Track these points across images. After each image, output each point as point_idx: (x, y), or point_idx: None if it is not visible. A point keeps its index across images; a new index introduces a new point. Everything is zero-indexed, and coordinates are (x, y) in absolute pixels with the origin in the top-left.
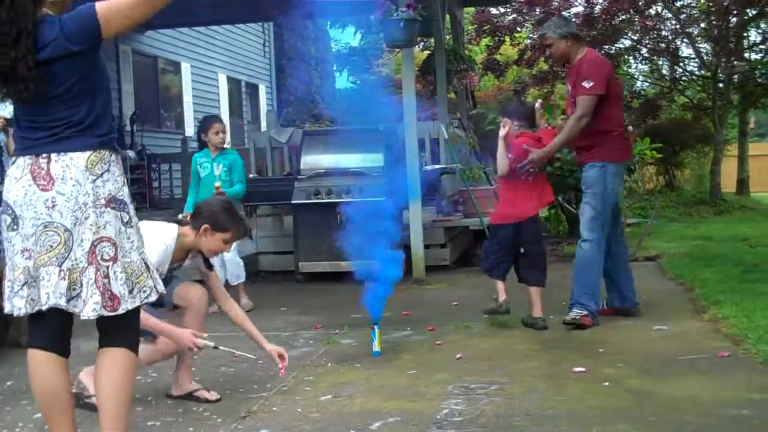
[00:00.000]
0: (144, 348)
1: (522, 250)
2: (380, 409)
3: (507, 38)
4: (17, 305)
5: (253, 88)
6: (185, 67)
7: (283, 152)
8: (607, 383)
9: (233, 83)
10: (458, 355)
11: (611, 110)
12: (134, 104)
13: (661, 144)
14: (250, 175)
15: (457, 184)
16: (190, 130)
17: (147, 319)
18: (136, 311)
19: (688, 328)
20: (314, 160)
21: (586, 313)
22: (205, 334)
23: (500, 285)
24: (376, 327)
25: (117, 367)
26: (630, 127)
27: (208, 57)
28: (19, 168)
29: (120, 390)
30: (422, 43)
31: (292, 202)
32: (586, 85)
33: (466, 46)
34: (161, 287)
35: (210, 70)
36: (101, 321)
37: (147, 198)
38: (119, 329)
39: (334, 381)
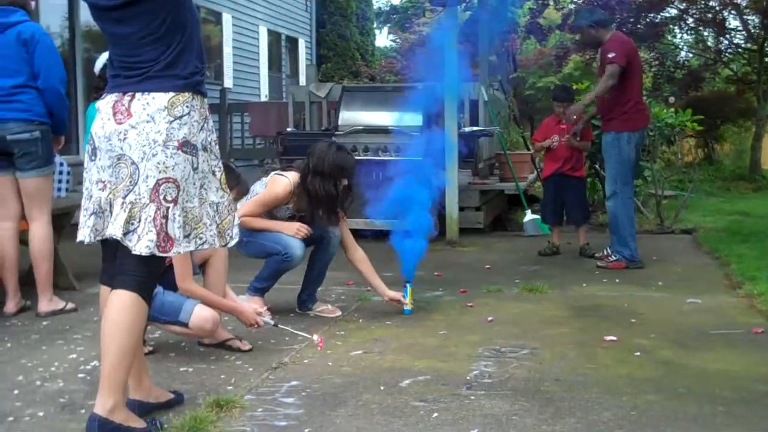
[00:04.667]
0: (178, 329)
1: None
2: (410, 367)
3: (551, 2)
4: (84, 233)
5: (293, 42)
6: (226, 18)
7: (322, 107)
8: (638, 353)
9: (273, 36)
10: (489, 318)
11: (630, 84)
12: None
13: (702, 116)
14: (288, 129)
15: (495, 147)
16: (229, 81)
17: (208, 295)
18: (155, 258)
19: (723, 302)
20: (353, 116)
21: (615, 258)
22: (264, 309)
23: None
24: (408, 285)
25: (114, 311)
26: (671, 98)
27: (250, 9)
28: (105, 103)
29: (115, 335)
30: (465, 3)
31: None
32: (610, 55)
33: (510, 8)
34: (229, 237)
35: (251, 22)
36: (120, 263)
37: None
38: (128, 270)
39: (366, 337)
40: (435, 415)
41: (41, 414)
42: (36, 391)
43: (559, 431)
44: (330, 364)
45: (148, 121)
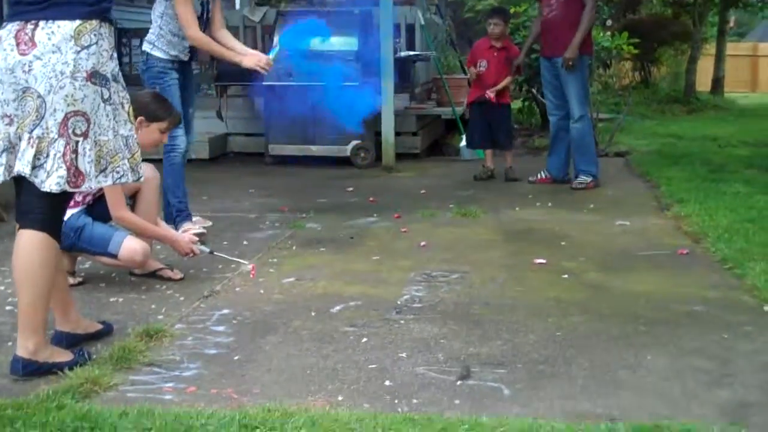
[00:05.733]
0: (106, 260)
1: None
2: (342, 293)
3: None
4: None
5: None
6: None
7: (256, 31)
8: (566, 276)
9: None
10: (422, 243)
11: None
12: None
13: (638, 40)
14: None
15: (432, 72)
16: None
17: (142, 224)
18: (61, 194)
19: (651, 224)
20: (288, 41)
21: (590, 179)
22: (196, 238)
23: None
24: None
25: (24, 252)
26: (608, 22)
27: None
28: (7, 32)
29: (27, 276)
30: None
31: (264, 83)
32: None
33: None
34: (140, 172)
35: None
36: (23, 201)
37: None
38: (33, 209)
39: (298, 264)
40: (364, 340)
41: None
42: None
43: (485, 353)
44: (262, 291)
45: (54, 52)
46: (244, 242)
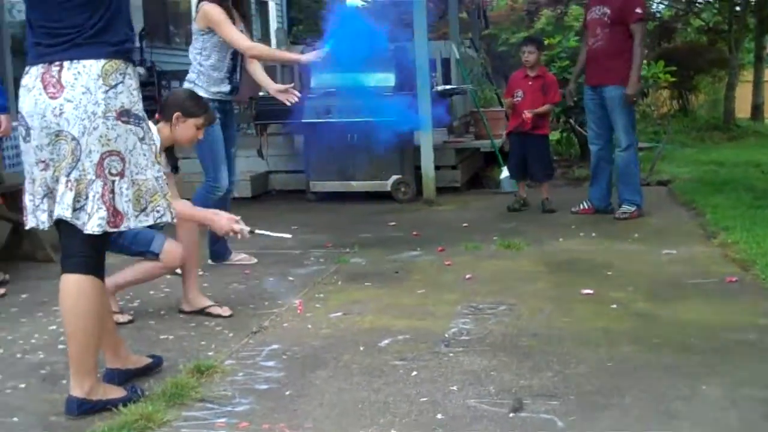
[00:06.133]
0: (147, 265)
1: None
2: (390, 327)
3: None
4: (40, 219)
5: (262, 5)
6: None
7: (294, 70)
8: (614, 306)
9: None
10: (467, 276)
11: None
12: (143, 20)
13: (675, 68)
14: (260, 93)
15: (469, 105)
16: None
17: (183, 207)
18: (101, 236)
19: (697, 253)
20: (325, 78)
21: (634, 209)
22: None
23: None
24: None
25: (71, 298)
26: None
27: None
28: (31, 77)
29: (77, 321)
30: None
31: (303, 120)
32: (639, 11)
33: None
34: (173, 212)
35: None
36: (64, 245)
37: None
38: (75, 252)
39: (344, 299)
40: (414, 373)
41: (23, 386)
42: (17, 363)
43: (537, 385)
44: (309, 327)
45: (84, 93)
46: (290, 278)
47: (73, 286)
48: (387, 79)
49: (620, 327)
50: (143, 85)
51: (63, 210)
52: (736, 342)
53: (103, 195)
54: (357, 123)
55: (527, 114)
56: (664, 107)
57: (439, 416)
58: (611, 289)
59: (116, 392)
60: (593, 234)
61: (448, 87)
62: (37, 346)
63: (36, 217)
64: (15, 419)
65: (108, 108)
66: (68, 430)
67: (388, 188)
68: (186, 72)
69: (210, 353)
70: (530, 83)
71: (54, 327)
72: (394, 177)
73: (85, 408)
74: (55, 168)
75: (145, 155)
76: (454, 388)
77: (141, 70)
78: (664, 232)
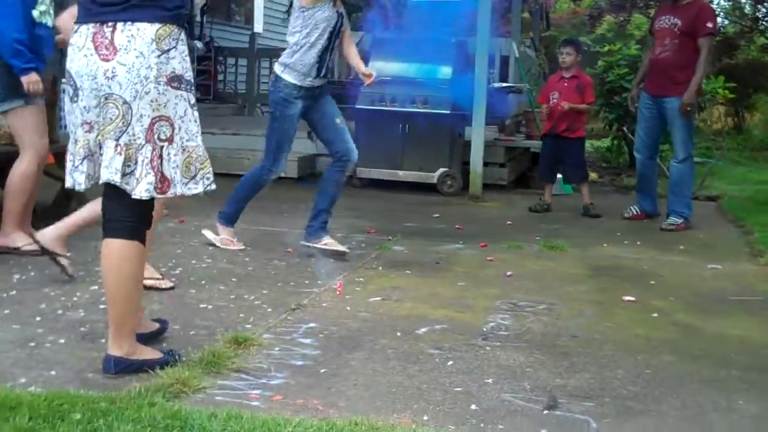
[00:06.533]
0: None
1: None
2: (428, 316)
3: None
4: (78, 180)
5: None
6: None
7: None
8: (655, 314)
9: None
10: (508, 273)
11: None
12: None
13: (734, 84)
14: None
15: (523, 104)
16: (259, 26)
17: None
18: (147, 201)
19: (743, 270)
20: (382, 66)
21: (681, 221)
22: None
23: None
24: None
25: (115, 261)
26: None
27: None
28: (81, 36)
29: (120, 285)
30: None
31: (356, 106)
32: (710, 25)
33: None
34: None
35: None
36: (109, 209)
37: (211, 90)
38: (120, 217)
39: (384, 285)
40: (450, 363)
41: (62, 341)
42: (58, 319)
43: (572, 385)
44: (348, 308)
45: (137, 56)
46: (331, 260)
47: (117, 250)
48: (444, 71)
49: (661, 336)
50: (200, 59)
51: (112, 174)
52: None
53: (152, 160)
54: (410, 113)
55: (564, 105)
56: (719, 123)
57: (473, 407)
58: (654, 297)
59: (153, 354)
60: (638, 242)
61: (504, 84)
62: (79, 304)
63: (73, 177)
64: (53, 372)
65: (160, 73)
66: (104, 388)
67: (435, 180)
68: (243, 49)
69: (248, 326)
70: (565, 84)
71: (95, 287)
72: (442, 169)
73: (121, 367)
74: (100, 131)
75: (196, 122)
76: (489, 381)
77: (199, 44)
78: (711, 246)
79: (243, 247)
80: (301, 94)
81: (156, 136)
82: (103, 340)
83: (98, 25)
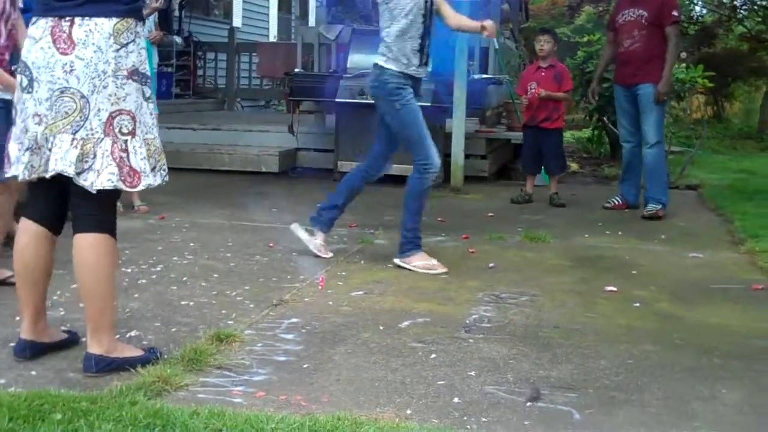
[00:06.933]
0: None
1: None
2: (410, 309)
3: None
4: (18, 169)
5: None
6: None
7: (331, 49)
8: (637, 304)
9: None
10: (491, 265)
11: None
12: None
13: (713, 73)
14: (296, 70)
15: (504, 95)
16: (238, 20)
17: None
18: (111, 194)
19: (724, 258)
20: (362, 59)
21: (660, 207)
22: None
23: None
24: None
25: (92, 256)
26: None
27: None
28: (39, 29)
29: (97, 281)
30: None
31: (336, 100)
32: (676, 14)
33: None
34: None
35: None
36: (75, 205)
37: (191, 85)
38: (89, 213)
39: (367, 279)
40: (433, 356)
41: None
42: None
43: (555, 376)
44: (330, 303)
45: (95, 51)
46: (313, 254)
47: (87, 244)
48: None
49: (643, 325)
50: (180, 54)
51: (66, 166)
52: (759, 349)
53: (113, 152)
54: None
55: (542, 93)
56: (698, 112)
57: (455, 400)
58: (635, 287)
59: (134, 351)
60: (619, 232)
61: (484, 76)
62: (59, 303)
63: (15, 167)
64: (33, 372)
65: (118, 66)
66: (85, 387)
67: None
68: (222, 44)
69: (230, 322)
70: (543, 74)
71: (75, 285)
72: None
73: (102, 365)
74: (48, 125)
75: (150, 114)
76: (472, 373)
77: (178, 39)
78: (691, 235)
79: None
80: (408, 83)
81: (117, 130)
82: (83, 339)
83: (56, 19)
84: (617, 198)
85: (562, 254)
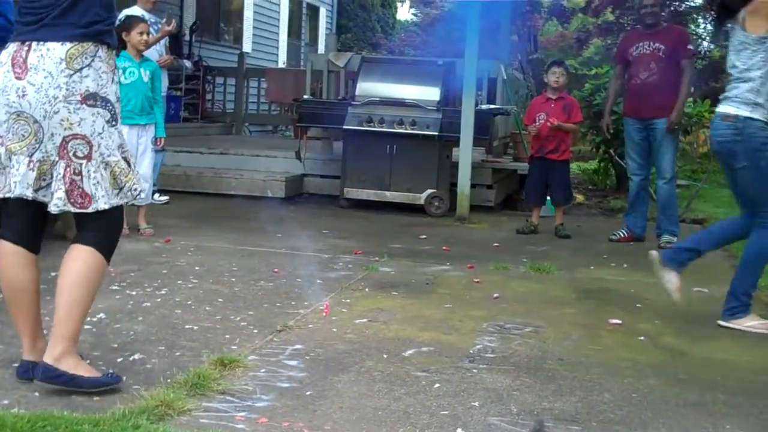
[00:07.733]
0: None
1: None
2: (414, 338)
3: None
4: None
5: (313, 10)
6: None
7: (340, 76)
8: (642, 338)
9: (294, 3)
10: (495, 295)
11: None
12: (195, 14)
13: None
14: (305, 96)
15: (511, 126)
16: (248, 46)
17: None
18: (112, 212)
19: None
20: (370, 87)
21: (675, 239)
22: None
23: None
24: None
25: (76, 264)
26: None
27: None
28: (6, 53)
29: (75, 286)
30: None
31: (344, 127)
32: (691, 47)
33: None
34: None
35: None
36: (77, 217)
37: (199, 109)
38: (90, 227)
39: (371, 306)
40: (437, 385)
41: None
42: None
43: (559, 408)
44: (334, 330)
45: (45, 77)
46: (318, 281)
47: (84, 259)
48: (432, 93)
49: (647, 359)
50: (189, 78)
51: (24, 189)
52: (764, 385)
53: (64, 176)
54: (398, 134)
55: (554, 121)
56: (705, 146)
57: (459, 430)
58: (640, 321)
59: (88, 371)
60: (625, 265)
61: (492, 107)
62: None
63: None
64: (36, 394)
65: (70, 91)
66: (89, 410)
67: (422, 201)
68: (232, 69)
69: (234, 347)
70: (552, 105)
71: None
72: (429, 191)
73: (47, 376)
74: (7, 147)
75: (111, 136)
76: (476, 404)
77: (188, 63)
78: (697, 269)
79: None
80: None
81: (72, 154)
82: (88, 362)
83: (19, 44)
84: (623, 230)
85: (567, 286)
